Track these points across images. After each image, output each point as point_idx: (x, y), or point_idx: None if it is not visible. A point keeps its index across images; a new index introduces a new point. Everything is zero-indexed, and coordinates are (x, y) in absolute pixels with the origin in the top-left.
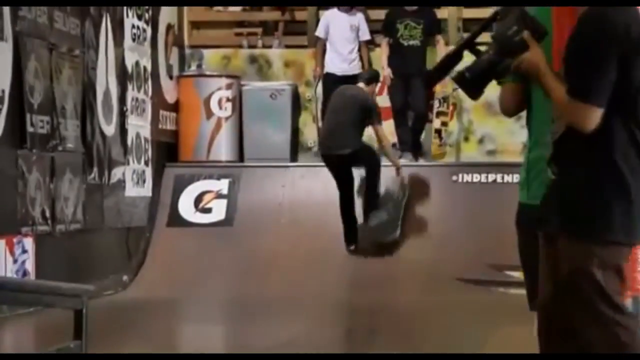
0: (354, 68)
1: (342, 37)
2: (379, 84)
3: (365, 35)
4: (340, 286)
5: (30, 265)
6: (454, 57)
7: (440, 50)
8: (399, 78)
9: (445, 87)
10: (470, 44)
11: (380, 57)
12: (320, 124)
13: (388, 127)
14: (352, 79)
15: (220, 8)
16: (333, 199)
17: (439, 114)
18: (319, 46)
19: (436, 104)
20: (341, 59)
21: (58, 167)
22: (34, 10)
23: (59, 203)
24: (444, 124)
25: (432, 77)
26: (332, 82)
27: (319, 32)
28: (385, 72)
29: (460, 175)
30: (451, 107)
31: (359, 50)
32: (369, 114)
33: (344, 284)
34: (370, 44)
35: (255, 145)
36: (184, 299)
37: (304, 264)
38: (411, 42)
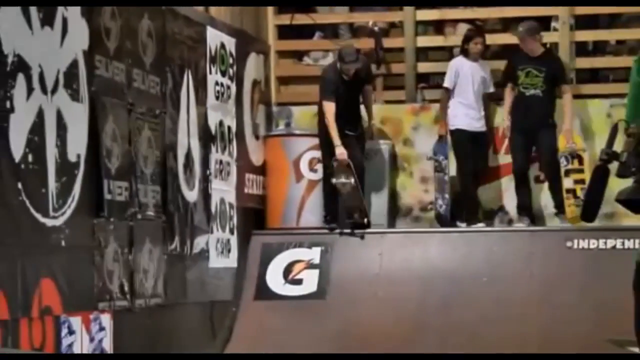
0: (484, 125)
1: (472, 88)
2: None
3: (491, 88)
4: None
5: (107, 344)
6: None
7: (566, 102)
8: (519, 133)
9: (571, 141)
10: None
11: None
12: (447, 188)
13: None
14: (482, 136)
15: (309, 61)
16: (435, 269)
17: (568, 172)
18: (445, 99)
19: (563, 161)
20: (472, 114)
21: (137, 237)
22: (111, 68)
23: (138, 276)
24: (579, 181)
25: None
26: (462, 139)
27: (448, 83)
28: (506, 123)
29: (575, 241)
30: (583, 161)
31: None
32: None
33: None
34: (496, 99)
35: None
36: None
37: (403, 342)
38: (532, 92)
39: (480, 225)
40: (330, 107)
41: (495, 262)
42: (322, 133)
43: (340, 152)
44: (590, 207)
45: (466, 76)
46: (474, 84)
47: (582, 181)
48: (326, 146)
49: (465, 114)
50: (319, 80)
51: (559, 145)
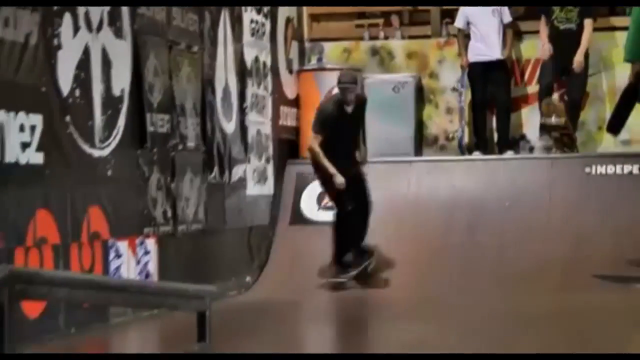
0: (498, 54)
1: (485, 23)
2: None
3: (507, 17)
4: (468, 285)
5: (152, 267)
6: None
7: (586, 35)
8: (551, 63)
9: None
10: None
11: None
12: (466, 116)
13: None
14: (497, 65)
15: None
16: (460, 195)
17: None
18: (460, 37)
19: None
20: (486, 46)
21: (179, 167)
22: (152, 7)
23: (180, 203)
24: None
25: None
26: (477, 71)
27: (458, 23)
28: (545, 46)
29: (594, 167)
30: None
31: (504, 35)
32: None
33: (470, 283)
34: (518, 34)
35: (378, 141)
36: (308, 300)
37: (429, 262)
38: (566, 25)
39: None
40: (317, 139)
41: (517, 188)
42: (315, 168)
43: (340, 181)
44: (617, 121)
45: (476, 12)
46: (485, 18)
47: None
48: (324, 179)
49: (478, 47)
50: (316, 113)
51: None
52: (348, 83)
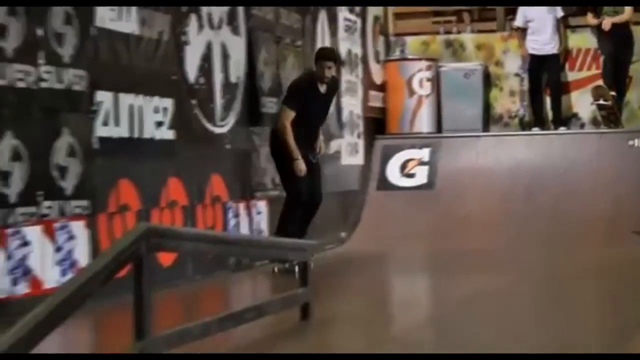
0: (552, 49)
1: (541, 21)
2: None
3: (560, 13)
4: (527, 241)
5: (264, 225)
6: None
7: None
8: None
9: None
10: None
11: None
12: (526, 98)
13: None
14: (551, 56)
15: None
16: (520, 165)
17: None
18: (519, 33)
19: None
20: (542, 41)
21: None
22: (263, 8)
23: None
24: None
25: None
26: (534, 62)
27: (518, 22)
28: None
29: (636, 140)
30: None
31: (557, 30)
32: None
33: (530, 240)
34: (570, 26)
35: (452, 119)
36: (392, 252)
37: (495, 222)
38: (615, 17)
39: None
40: (289, 114)
41: (569, 158)
42: (277, 146)
43: (301, 168)
44: None
45: (533, 11)
46: (540, 16)
47: None
48: (282, 159)
49: (535, 41)
50: (289, 86)
51: None
52: (330, 60)
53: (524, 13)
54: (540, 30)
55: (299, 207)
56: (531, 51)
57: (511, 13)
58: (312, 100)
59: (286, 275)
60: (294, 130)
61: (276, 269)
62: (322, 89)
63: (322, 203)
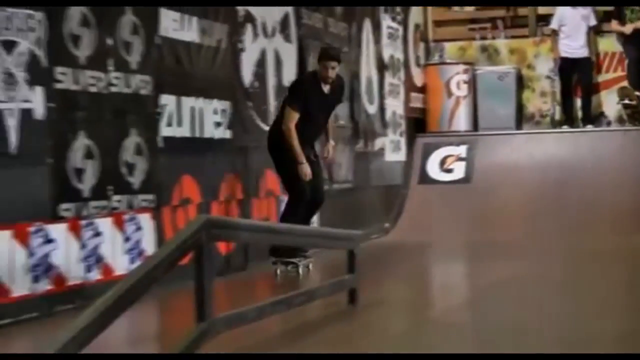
0: (584, 52)
1: (574, 26)
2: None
3: (593, 22)
4: (557, 230)
5: (315, 216)
6: None
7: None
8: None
9: None
10: None
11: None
12: (558, 97)
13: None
14: (582, 59)
15: (456, 8)
16: (551, 160)
17: None
18: (554, 36)
19: None
20: (575, 45)
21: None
22: (313, 18)
23: (334, 167)
24: None
25: None
26: (566, 65)
27: (553, 25)
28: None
29: None
30: None
31: (589, 35)
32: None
33: (560, 229)
34: (599, 32)
35: (487, 118)
36: (432, 241)
37: (527, 213)
38: (638, 23)
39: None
40: (293, 116)
41: (596, 154)
42: (277, 145)
43: (306, 172)
44: None
45: (568, 17)
46: (575, 22)
47: None
48: (283, 159)
49: (567, 45)
50: (291, 86)
51: None
52: (333, 60)
53: (559, 17)
54: (573, 35)
55: (302, 207)
56: (563, 54)
57: (542, 20)
58: (315, 100)
59: (289, 277)
60: (296, 130)
61: (279, 271)
62: (326, 89)
63: (368, 196)
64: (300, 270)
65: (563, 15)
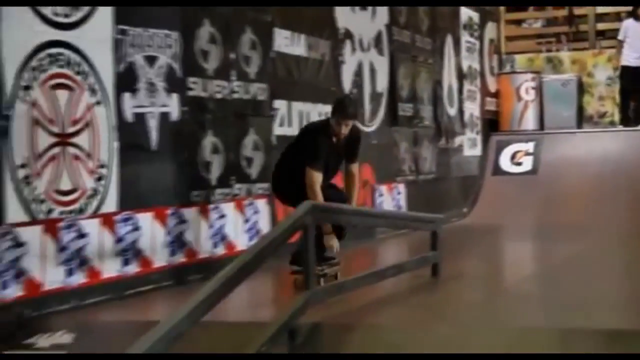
0: None
1: (635, 38)
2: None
3: None
4: (614, 216)
5: (403, 202)
6: None
7: None
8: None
9: None
10: None
11: None
12: (617, 99)
13: None
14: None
15: (526, 25)
16: (607, 155)
17: None
18: (619, 45)
19: None
20: (635, 55)
21: (419, 137)
22: (403, 35)
23: (420, 161)
24: None
25: None
26: (627, 72)
27: (620, 36)
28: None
29: None
30: None
31: None
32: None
33: (616, 214)
34: None
35: (552, 119)
36: (504, 224)
37: (587, 200)
38: None
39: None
40: (318, 178)
41: None
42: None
43: (332, 244)
44: None
45: (631, 29)
46: (637, 34)
47: None
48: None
49: (629, 55)
50: (309, 138)
51: None
52: (349, 119)
53: (624, 29)
54: (634, 46)
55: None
56: (624, 62)
57: (600, 34)
58: (328, 155)
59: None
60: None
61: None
62: (334, 139)
63: (448, 185)
64: (322, 282)
65: (627, 27)
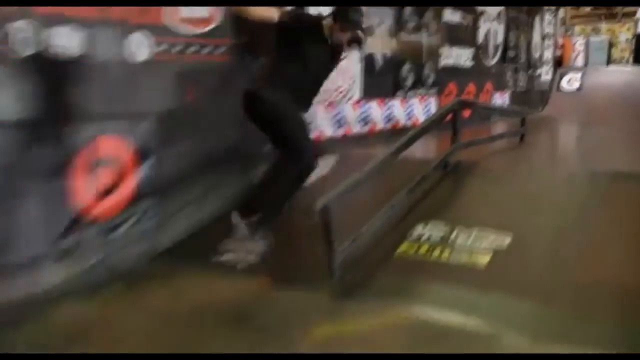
0: None
1: None
2: None
3: None
4: (629, 116)
5: (506, 102)
6: None
7: None
8: None
9: None
10: None
11: None
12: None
13: None
14: None
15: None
16: (627, 82)
17: None
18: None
19: None
20: None
21: (518, 68)
22: (511, 12)
23: (518, 81)
24: None
25: None
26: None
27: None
28: None
29: None
30: None
31: None
32: None
33: (631, 116)
34: None
35: (592, 60)
36: (561, 117)
37: (613, 107)
38: None
39: None
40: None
41: None
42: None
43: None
44: None
45: None
46: None
47: None
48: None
49: None
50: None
51: None
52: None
53: None
54: None
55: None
56: None
57: (625, 15)
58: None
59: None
60: (285, 80)
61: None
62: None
63: (531, 94)
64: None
65: None
